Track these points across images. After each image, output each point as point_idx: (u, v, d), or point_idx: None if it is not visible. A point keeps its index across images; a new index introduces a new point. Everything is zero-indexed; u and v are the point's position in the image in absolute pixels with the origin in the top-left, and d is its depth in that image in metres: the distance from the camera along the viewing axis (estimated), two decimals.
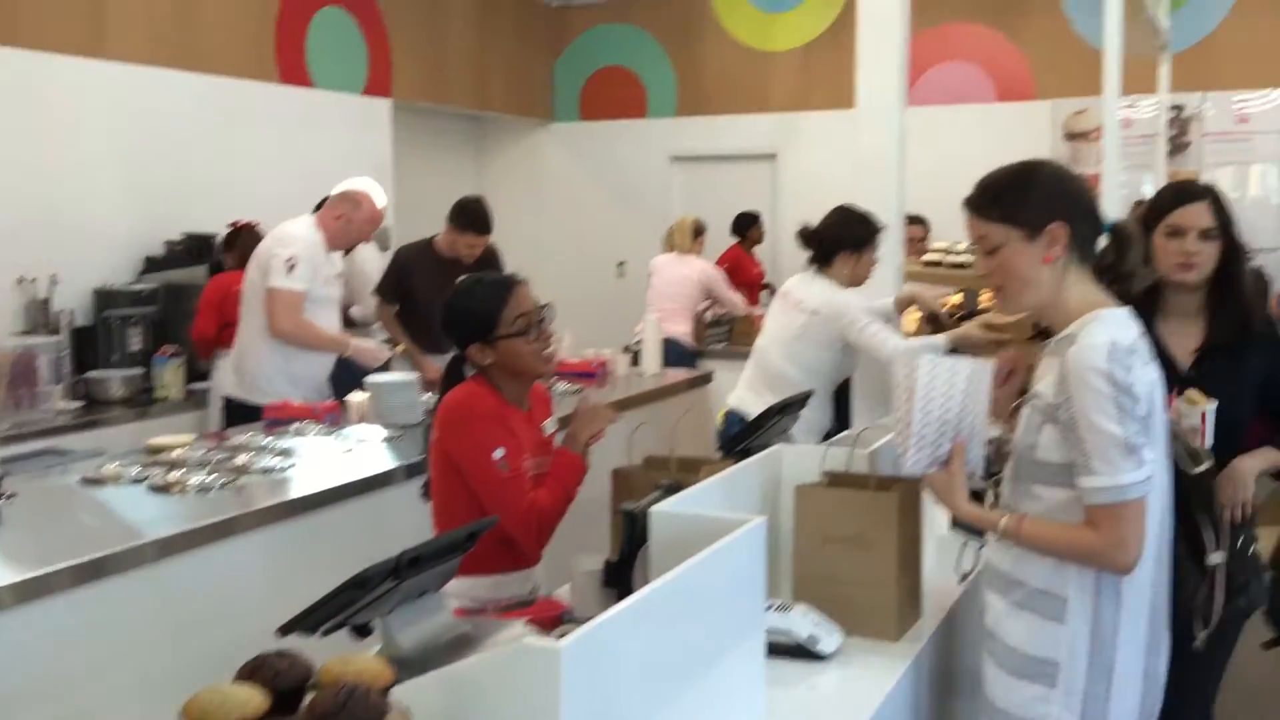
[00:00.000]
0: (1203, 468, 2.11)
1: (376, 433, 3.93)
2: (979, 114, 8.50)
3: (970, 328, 3.84)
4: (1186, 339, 2.57)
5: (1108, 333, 1.88)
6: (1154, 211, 2.58)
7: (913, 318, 4.95)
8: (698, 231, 7.39)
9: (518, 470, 2.50)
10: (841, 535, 2.16)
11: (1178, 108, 7.95)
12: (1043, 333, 2.23)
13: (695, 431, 4.79)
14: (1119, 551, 1.86)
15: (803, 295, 4.04)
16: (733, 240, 8.33)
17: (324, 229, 4.46)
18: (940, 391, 1.96)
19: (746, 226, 8.23)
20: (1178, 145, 8.06)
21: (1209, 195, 2.59)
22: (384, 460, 3.61)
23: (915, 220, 6.98)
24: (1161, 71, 6.69)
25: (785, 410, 2.90)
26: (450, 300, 2.65)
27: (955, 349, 3.73)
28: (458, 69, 8.67)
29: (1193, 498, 2.10)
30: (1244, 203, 7.95)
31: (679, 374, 5.54)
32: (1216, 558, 2.11)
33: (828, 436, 3.78)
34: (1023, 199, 1.96)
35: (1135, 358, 1.88)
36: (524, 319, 2.58)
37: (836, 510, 2.18)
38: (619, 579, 2.08)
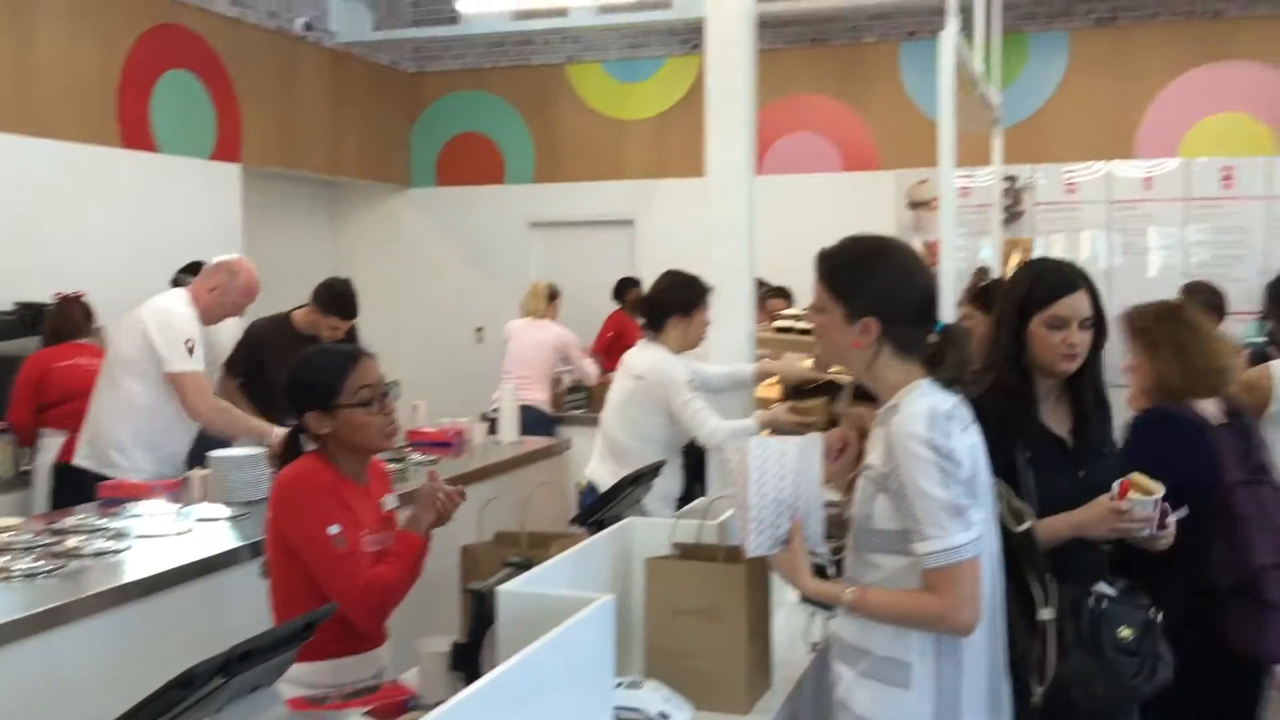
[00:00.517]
0: (1026, 525, 2.18)
1: (219, 510, 3.79)
2: (827, 183, 8.78)
3: (778, 411, 3.93)
4: (1061, 419, 2.49)
5: (927, 401, 1.97)
6: (1031, 301, 2.43)
7: (771, 386, 5.05)
8: (551, 295, 7.37)
9: (354, 546, 2.44)
10: (691, 608, 2.17)
11: (1011, 178, 8.36)
12: (864, 396, 2.30)
13: (554, 502, 4.76)
14: (960, 612, 1.91)
15: (633, 362, 4.08)
16: (615, 306, 8.35)
17: (197, 302, 4.31)
18: (773, 473, 2.00)
19: (627, 291, 8.27)
20: (1012, 214, 8.47)
21: (1085, 280, 2.47)
22: (226, 539, 3.48)
23: (779, 293, 7.15)
24: (995, 144, 7.03)
25: (638, 481, 2.90)
26: (294, 366, 2.59)
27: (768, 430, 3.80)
28: (310, 134, 8.56)
29: (1020, 555, 2.17)
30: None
31: (537, 442, 5.51)
32: (1046, 614, 2.17)
33: (682, 503, 3.79)
34: (854, 284, 2.04)
35: (954, 423, 1.96)
36: (367, 390, 2.54)
37: (686, 583, 2.18)
38: (467, 661, 2.04)
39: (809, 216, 8.01)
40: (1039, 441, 2.43)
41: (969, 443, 1.99)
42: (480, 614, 2.01)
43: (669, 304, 4.04)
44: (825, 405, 4.03)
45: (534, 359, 6.90)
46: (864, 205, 8.48)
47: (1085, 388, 2.45)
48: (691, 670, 2.15)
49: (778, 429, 3.78)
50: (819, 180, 8.80)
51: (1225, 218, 8.09)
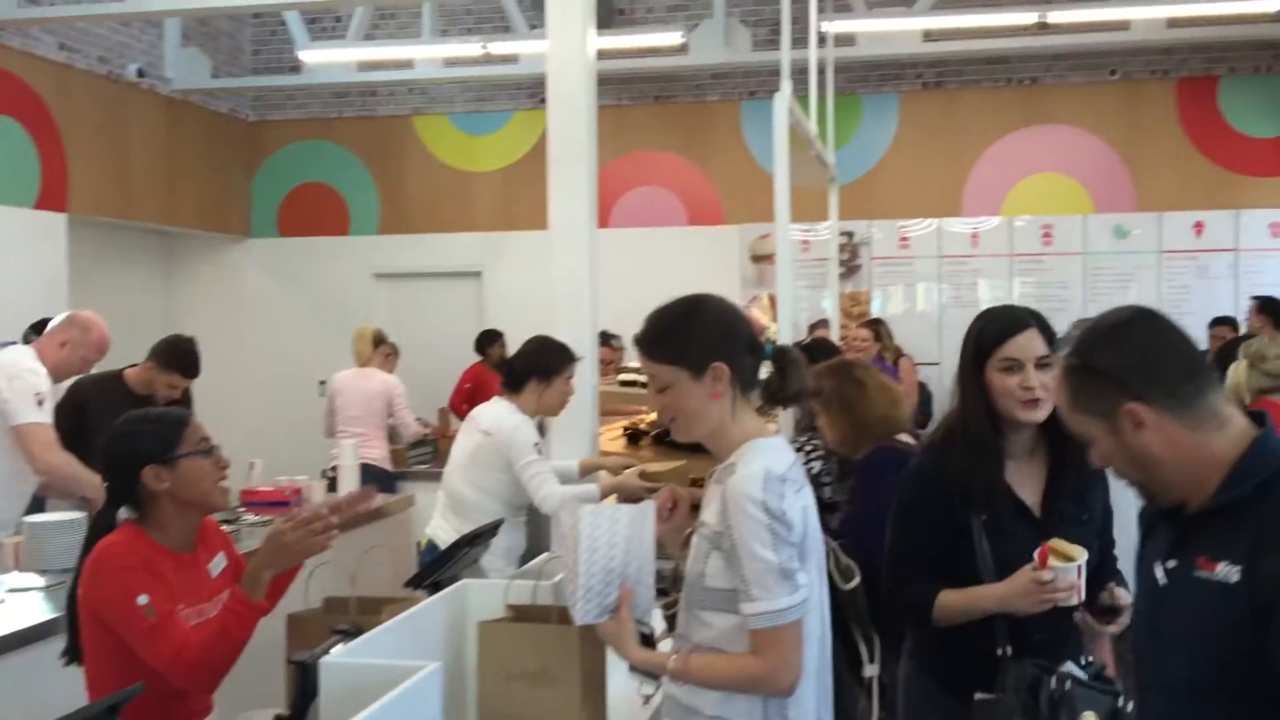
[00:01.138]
0: (854, 584, 2.24)
1: (32, 580, 3.58)
2: (674, 236, 8.93)
3: (627, 477, 3.87)
4: (1032, 480, 2.33)
5: (762, 461, 1.97)
6: (982, 347, 2.31)
7: (614, 438, 5.07)
8: (378, 341, 7.11)
9: (165, 616, 2.32)
10: (524, 671, 2.14)
11: (849, 234, 8.66)
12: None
13: (397, 562, 4.66)
14: (781, 675, 1.93)
15: (482, 417, 4.05)
16: (464, 357, 8.25)
17: (46, 358, 4.10)
18: (603, 541, 1.99)
19: (488, 344, 8.18)
20: (850, 267, 8.76)
21: (1036, 319, 2.35)
22: (39, 611, 3.29)
23: (605, 340, 7.17)
24: (831, 201, 7.27)
25: (475, 541, 2.87)
26: (122, 424, 2.49)
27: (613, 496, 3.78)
28: (144, 183, 8.28)
29: (848, 612, 2.21)
30: (910, 318, 8.72)
31: (378, 500, 5.38)
32: (871, 670, 2.23)
33: (528, 560, 3.76)
34: (686, 342, 2.04)
35: (788, 485, 1.97)
36: (206, 441, 2.47)
37: (518, 646, 2.16)
38: None
39: (656, 269, 8.16)
40: (998, 504, 2.28)
41: (802, 504, 2.01)
42: (304, 686, 1.95)
43: (530, 367, 4.02)
44: (675, 471, 4.01)
45: (366, 412, 6.66)
46: (709, 258, 8.66)
47: (1061, 440, 2.21)
48: None
49: (624, 495, 3.77)
50: (665, 234, 8.94)
51: (1046, 272, 8.54)
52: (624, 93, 9.00)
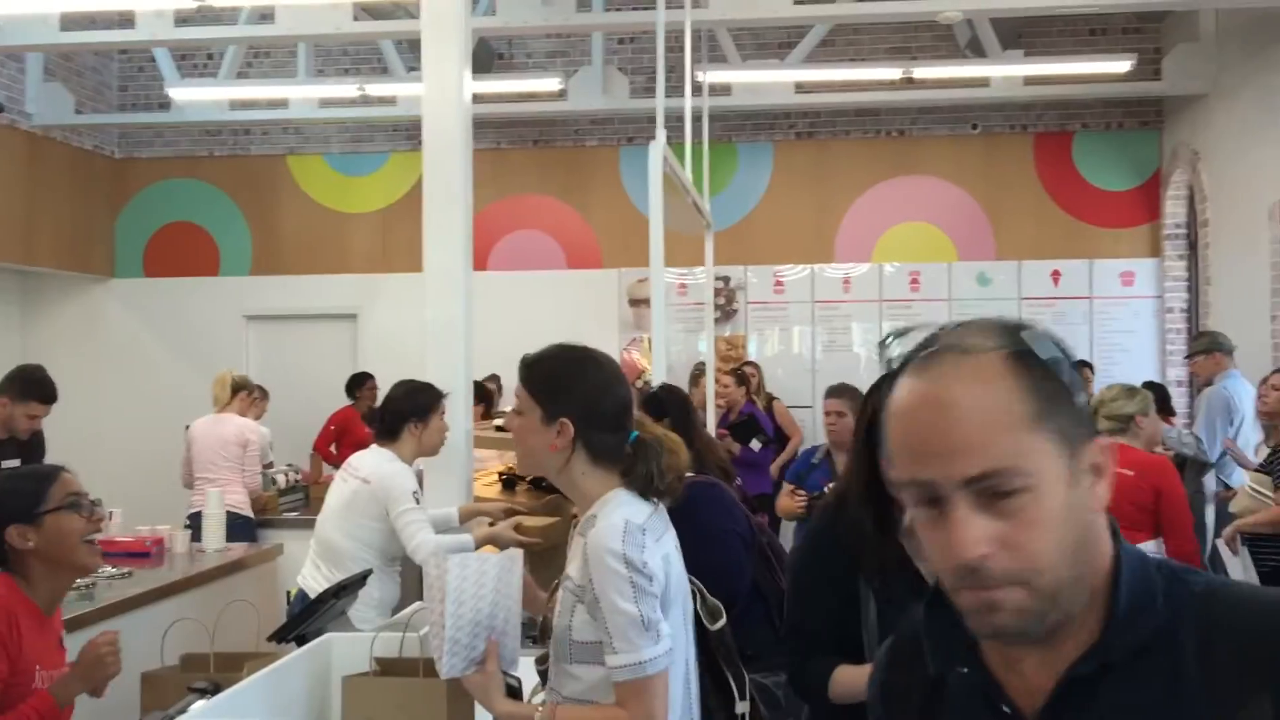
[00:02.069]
0: (720, 624, 2.25)
1: None
2: (552, 280, 8.95)
3: (502, 529, 3.85)
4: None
5: (621, 513, 1.97)
6: (878, 402, 2.11)
7: (489, 484, 5.02)
8: (238, 387, 6.82)
9: (4, 678, 2.20)
10: None
11: (724, 278, 8.80)
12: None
13: (262, 615, 4.52)
14: None
15: (360, 464, 3.98)
16: (337, 401, 8.08)
17: None
18: (471, 592, 1.97)
19: (358, 386, 8.01)
20: (726, 311, 8.90)
21: None
22: None
23: (479, 389, 7.10)
24: (707, 246, 7.39)
25: (342, 591, 2.80)
26: None
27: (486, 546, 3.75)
28: (1, 220, 7.96)
29: (717, 651, 2.23)
30: (785, 360, 8.89)
31: (241, 548, 5.23)
32: (742, 706, 2.24)
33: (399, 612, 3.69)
34: (555, 388, 2.05)
35: (648, 535, 1.98)
36: (75, 496, 2.38)
37: (384, 700, 2.13)
38: None
39: (534, 312, 8.18)
40: (891, 573, 2.14)
41: (663, 553, 2.00)
42: None
43: (403, 411, 3.97)
44: (553, 526, 3.99)
45: (219, 460, 6.42)
46: (587, 302, 8.70)
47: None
48: None
49: (500, 547, 3.74)
50: (544, 277, 8.95)
51: (914, 317, 8.80)
52: (503, 136, 9.02)
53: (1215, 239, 7.59)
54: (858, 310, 8.87)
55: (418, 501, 3.78)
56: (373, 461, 3.91)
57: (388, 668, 2.23)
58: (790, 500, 4.68)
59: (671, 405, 4.22)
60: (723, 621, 2.26)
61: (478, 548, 3.69)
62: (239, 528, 5.84)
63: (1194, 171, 7.90)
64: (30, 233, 8.27)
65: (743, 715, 2.24)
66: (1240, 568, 5.33)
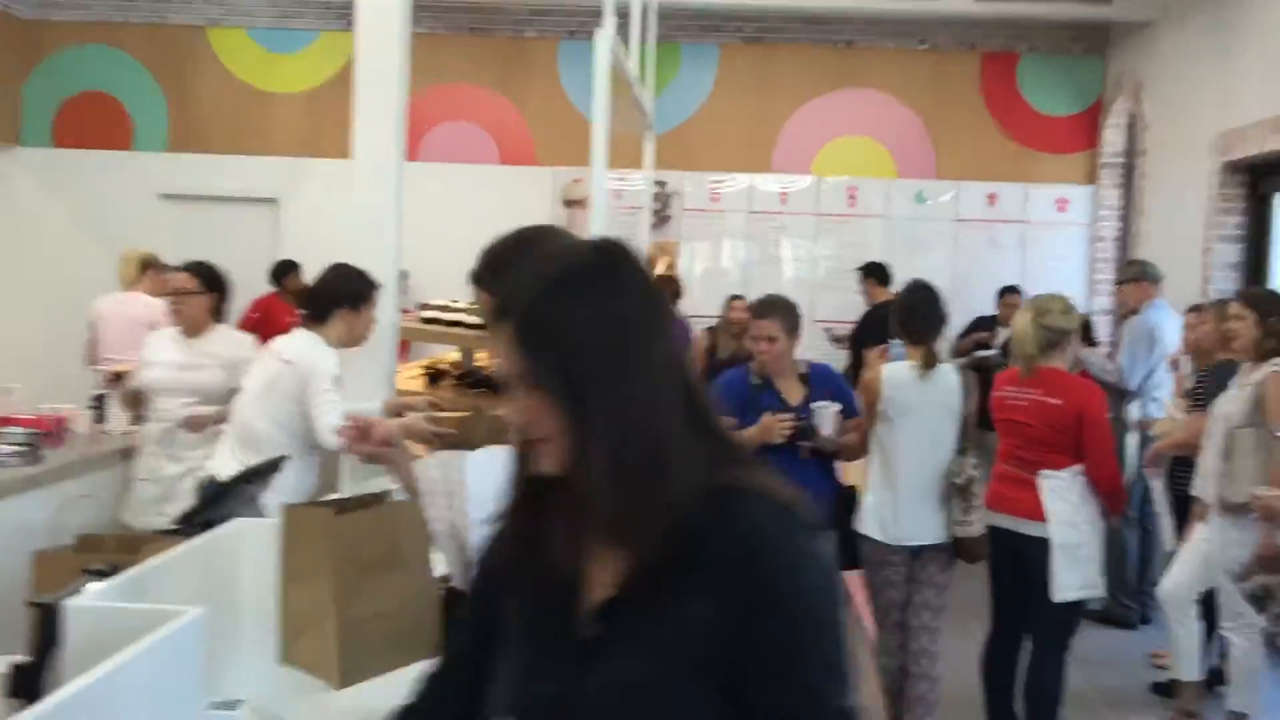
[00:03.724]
0: None
1: None
2: (484, 175, 8.69)
3: (415, 421, 3.51)
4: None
5: None
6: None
7: (415, 376, 4.87)
8: (146, 264, 6.46)
9: None
10: (374, 558, 1.88)
11: (661, 183, 8.62)
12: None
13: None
14: None
15: (284, 347, 3.81)
16: (260, 287, 7.75)
17: None
18: (488, 492, 1.60)
19: (284, 274, 7.72)
20: (661, 218, 8.73)
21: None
22: None
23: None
24: (647, 149, 7.21)
25: (255, 477, 2.66)
26: None
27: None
28: None
29: None
30: (716, 272, 8.78)
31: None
32: None
33: None
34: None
35: None
36: None
37: (367, 534, 1.87)
38: (27, 687, 1.75)
39: (465, 207, 7.96)
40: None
41: None
42: (45, 631, 1.74)
43: (336, 297, 3.79)
44: (469, 420, 3.82)
45: (127, 339, 6.11)
46: (520, 199, 8.45)
47: None
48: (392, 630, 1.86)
49: (413, 436, 3.60)
50: (475, 171, 8.69)
51: (849, 233, 8.74)
52: (438, 22, 8.66)
53: (1152, 169, 7.60)
54: (793, 223, 8.77)
55: (338, 387, 3.63)
56: (299, 345, 3.74)
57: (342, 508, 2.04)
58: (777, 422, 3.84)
59: None
60: None
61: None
62: None
63: (1136, 100, 7.88)
64: None
65: None
66: (1159, 494, 5.41)
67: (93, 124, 8.83)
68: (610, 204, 8.52)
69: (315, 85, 8.76)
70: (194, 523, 2.44)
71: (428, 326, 4.81)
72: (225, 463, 3.68)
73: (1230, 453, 4.20)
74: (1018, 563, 3.99)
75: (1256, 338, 4.24)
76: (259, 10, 8.80)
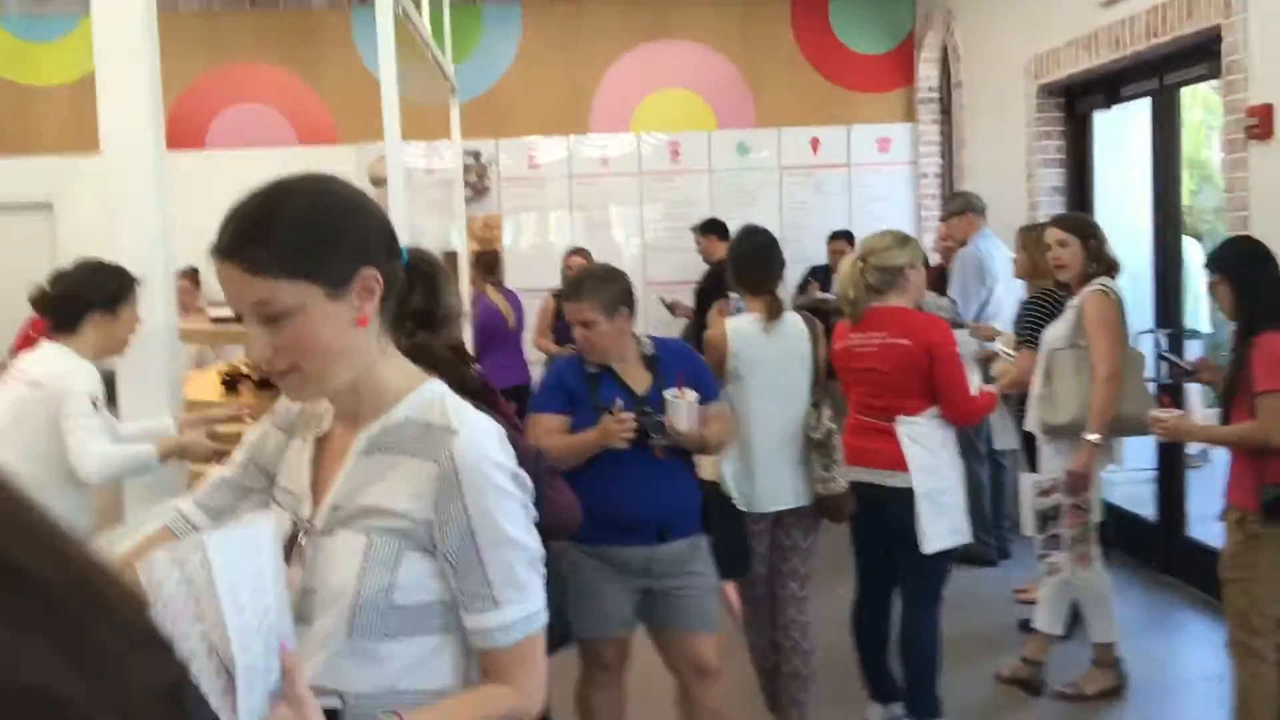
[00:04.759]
0: None
1: None
2: (281, 157, 8.05)
3: (195, 439, 3.11)
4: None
5: (479, 414, 1.45)
6: None
7: (206, 385, 4.36)
8: None
9: None
10: None
11: (475, 154, 8.17)
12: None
13: None
14: (536, 696, 1.45)
15: (30, 366, 3.25)
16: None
17: None
18: (249, 583, 1.22)
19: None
20: (478, 190, 8.28)
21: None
22: None
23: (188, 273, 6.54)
24: (453, 116, 6.75)
25: None
26: None
27: (173, 457, 3.09)
28: None
29: None
30: (543, 243, 8.39)
31: None
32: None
33: None
34: (322, 240, 1.35)
35: (508, 442, 1.47)
36: None
37: None
38: None
39: None
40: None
41: None
42: None
43: (85, 299, 3.25)
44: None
45: None
46: None
47: None
48: None
49: (188, 456, 3.11)
50: (272, 155, 8.04)
51: (675, 190, 8.46)
52: None
53: (969, 100, 7.55)
54: (617, 185, 8.44)
55: (96, 407, 3.10)
56: (47, 362, 3.19)
57: None
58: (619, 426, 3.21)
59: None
60: None
61: (163, 460, 3.07)
62: None
63: (948, 31, 7.81)
64: None
65: None
66: (1008, 430, 5.31)
67: None
68: (423, 179, 8.06)
69: (82, 75, 7.95)
70: None
71: (218, 328, 4.30)
72: None
73: (1050, 376, 4.09)
74: (880, 517, 3.77)
75: (1083, 262, 4.12)
76: None
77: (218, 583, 1.17)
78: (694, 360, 3.43)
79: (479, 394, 3.37)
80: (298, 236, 1.34)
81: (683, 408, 3.17)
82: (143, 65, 3.53)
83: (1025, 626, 4.81)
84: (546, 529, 3.03)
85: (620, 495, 3.18)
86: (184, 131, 8.01)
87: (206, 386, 4.27)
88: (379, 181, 8.12)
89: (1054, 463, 4.15)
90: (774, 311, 3.76)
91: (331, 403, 1.51)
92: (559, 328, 6.93)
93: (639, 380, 3.29)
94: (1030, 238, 4.97)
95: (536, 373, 7.12)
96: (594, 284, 3.24)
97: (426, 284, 1.54)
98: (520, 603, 1.42)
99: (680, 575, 3.26)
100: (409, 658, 1.41)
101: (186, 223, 7.86)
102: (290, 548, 1.46)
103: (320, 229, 1.35)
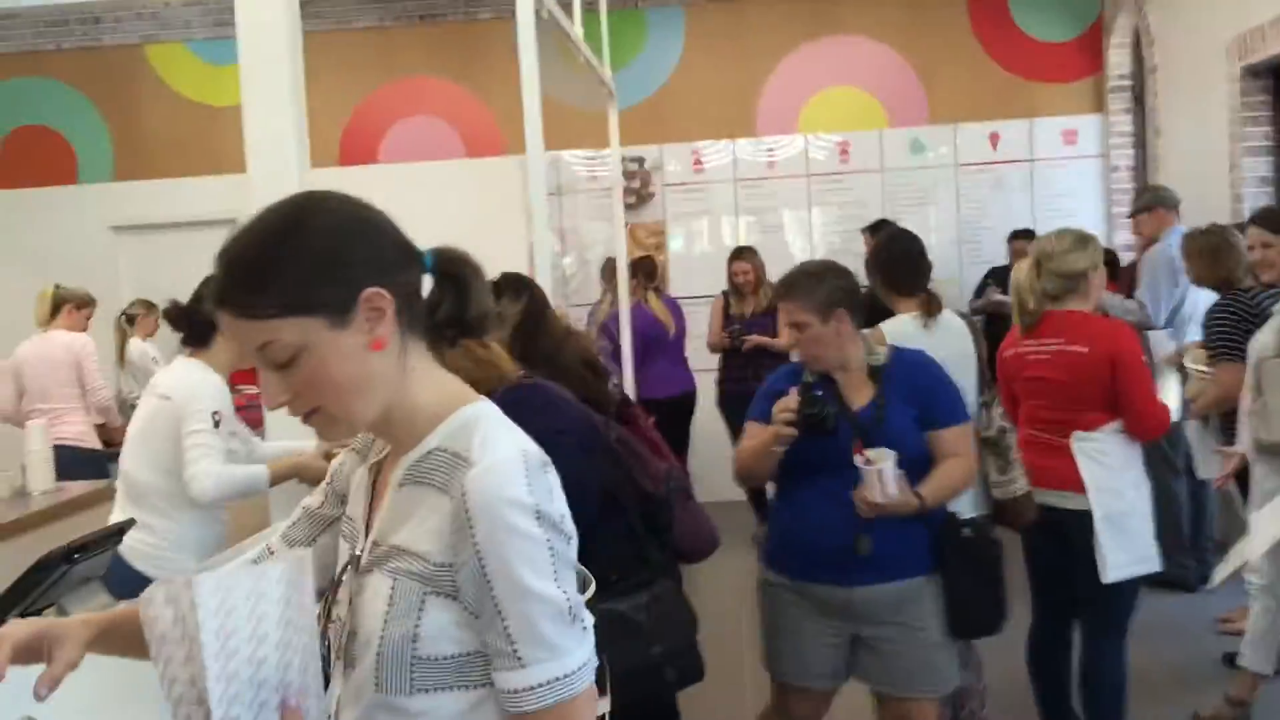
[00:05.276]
0: (589, 594, 1.58)
1: None
2: (450, 169, 8.17)
3: (310, 460, 3.04)
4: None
5: (513, 440, 1.28)
6: None
7: None
8: (60, 301, 5.96)
9: None
10: None
11: (639, 159, 8.08)
12: None
13: None
14: None
15: (161, 379, 3.28)
16: None
17: None
18: (245, 632, 1.15)
19: None
20: (642, 196, 8.18)
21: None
22: None
23: None
24: (611, 122, 6.66)
25: (80, 553, 2.13)
26: None
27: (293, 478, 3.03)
28: None
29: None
30: (708, 249, 8.22)
31: (79, 488, 4.51)
32: (602, 705, 1.58)
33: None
34: (309, 269, 1.25)
35: (551, 474, 1.29)
36: None
37: None
38: None
39: (434, 207, 7.42)
40: None
41: (564, 503, 1.31)
42: None
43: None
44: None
45: (52, 385, 5.61)
46: (492, 193, 7.94)
47: None
48: None
49: (303, 478, 3.06)
50: (441, 167, 8.17)
51: (844, 192, 8.16)
52: (386, 13, 8.14)
53: (1165, 86, 6.99)
54: (784, 188, 8.19)
55: (218, 423, 3.09)
56: (176, 375, 3.21)
57: None
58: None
59: (512, 294, 3.57)
60: (590, 592, 1.59)
61: (274, 483, 3.03)
62: (84, 462, 5.10)
63: (1139, 13, 7.26)
64: None
65: (604, 716, 1.59)
66: (1210, 459, 4.78)
67: (35, 160, 8.34)
68: (585, 187, 8.03)
69: None
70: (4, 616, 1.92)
71: None
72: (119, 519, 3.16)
73: (1261, 388, 3.66)
74: (1059, 541, 3.44)
75: None
76: (195, 20, 8.29)
77: (204, 626, 1.12)
78: (931, 376, 2.95)
79: (611, 407, 3.25)
80: (286, 270, 1.24)
81: (871, 476, 2.71)
82: (285, 82, 3.49)
83: (1230, 661, 4.34)
84: (678, 553, 2.91)
85: (815, 522, 2.84)
86: (358, 146, 8.22)
87: None
88: (551, 193, 8.16)
89: (1269, 483, 3.72)
90: (932, 309, 3.50)
91: (374, 434, 1.38)
92: (728, 326, 6.78)
93: (859, 393, 2.89)
94: (1195, 245, 4.53)
95: (704, 380, 6.96)
96: (806, 281, 2.90)
97: (456, 288, 1.38)
98: (550, 662, 1.23)
99: (889, 624, 2.83)
100: (444, 713, 1.27)
101: None
102: (338, 584, 1.34)
103: (310, 258, 1.25)
